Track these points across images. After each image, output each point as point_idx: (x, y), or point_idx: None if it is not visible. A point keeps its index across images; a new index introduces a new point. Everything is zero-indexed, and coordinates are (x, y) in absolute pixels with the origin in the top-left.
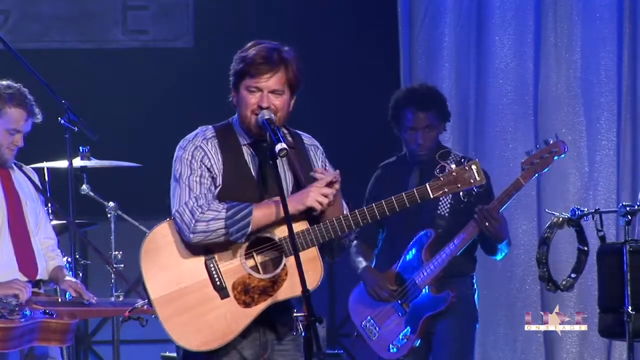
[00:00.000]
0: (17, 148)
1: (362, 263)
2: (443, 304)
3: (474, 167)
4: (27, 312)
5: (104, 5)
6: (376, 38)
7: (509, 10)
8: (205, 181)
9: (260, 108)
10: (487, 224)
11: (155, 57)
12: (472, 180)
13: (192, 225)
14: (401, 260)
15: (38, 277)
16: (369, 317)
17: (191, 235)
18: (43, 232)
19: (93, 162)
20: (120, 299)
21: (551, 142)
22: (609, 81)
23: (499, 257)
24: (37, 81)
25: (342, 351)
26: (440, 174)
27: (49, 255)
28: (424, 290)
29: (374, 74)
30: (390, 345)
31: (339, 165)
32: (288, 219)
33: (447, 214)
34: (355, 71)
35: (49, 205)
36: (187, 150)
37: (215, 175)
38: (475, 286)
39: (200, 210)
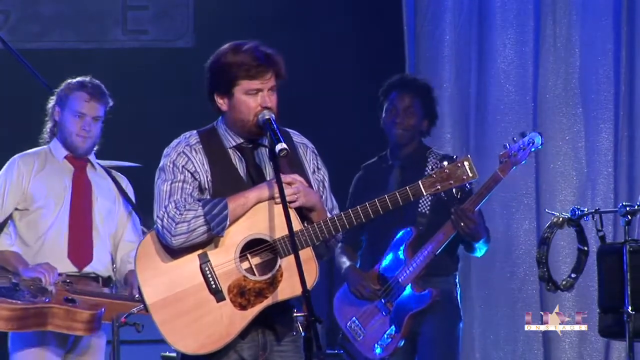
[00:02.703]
0: (89, 136)
1: (346, 263)
2: (426, 302)
3: (466, 163)
4: (50, 296)
5: (104, 5)
6: (381, 38)
7: (510, 10)
8: (187, 186)
9: (263, 108)
10: (462, 224)
11: (155, 57)
12: (464, 177)
13: (173, 228)
14: (383, 259)
15: (89, 269)
16: (353, 318)
17: (172, 239)
18: (127, 236)
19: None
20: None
21: (527, 134)
22: (607, 81)
23: (477, 254)
24: (37, 81)
25: (342, 351)
26: (433, 171)
27: (128, 259)
28: (407, 288)
29: (379, 74)
30: (375, 345)
31: (341, 164)
32: (289, 220)
33: (428, 212)
34: (359, 72)
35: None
36: (170, 157)
37: (201, 180)
38: (457, 285)
39: (179, 212)
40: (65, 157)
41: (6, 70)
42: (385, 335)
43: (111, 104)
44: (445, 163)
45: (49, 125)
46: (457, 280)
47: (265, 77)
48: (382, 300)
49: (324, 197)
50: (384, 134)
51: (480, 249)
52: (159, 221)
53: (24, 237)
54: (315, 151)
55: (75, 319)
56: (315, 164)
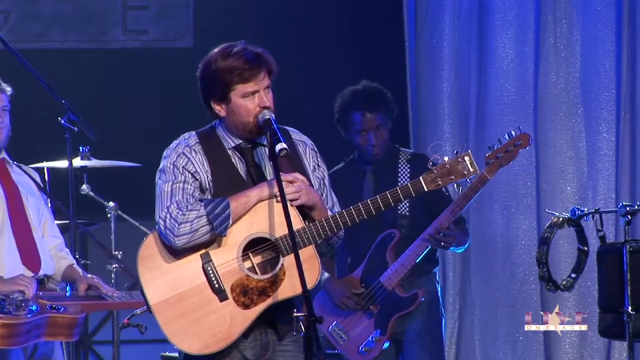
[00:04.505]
0: (4, 129)
1: (324, 275)
2: (411, 305)
3: (466, 158)
4: (34, 308)
5: (104, 5)
6: (381, 38)
7: (510, 10)
8: (189, 187)
9: (261, 109)
10: (442, 243)
11: (155, 57)
12: (465, 172)
13: (176, 229)
14: (365, 263)
15: (42, 272)
16: (335, 322)
17: (175, 240)
18: (50, 231)
19: (93, 162)
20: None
21: (514, 134)
22: (608, 81)
23: (459, 251)
24: (37, 81)
25: (341, 351)
26: (434, 167)
27: (58, 255)
28: (390, 290)
29: (379, 75)
30: (361, 347)
31: (339, 164)
32: (288, 219)
33: (407, 213)
34: (359, 72)
35: (50, 204)
36: (170, 158)
37: (201, 181)
38: (438, 282)
39: (181, 213)
40: None
41: (6, 70)
42: (371, 338)
43: (11, 91)
44: (446, 158)
45: None
46: (437, 278)
47: (259, 78)
48: (366, 305)
49: (324, 195)
50: None
51: (462, 250)
52: (161, 222)
53: None
54: (315, 148)
55: (63, 325)
56: (315, 161)
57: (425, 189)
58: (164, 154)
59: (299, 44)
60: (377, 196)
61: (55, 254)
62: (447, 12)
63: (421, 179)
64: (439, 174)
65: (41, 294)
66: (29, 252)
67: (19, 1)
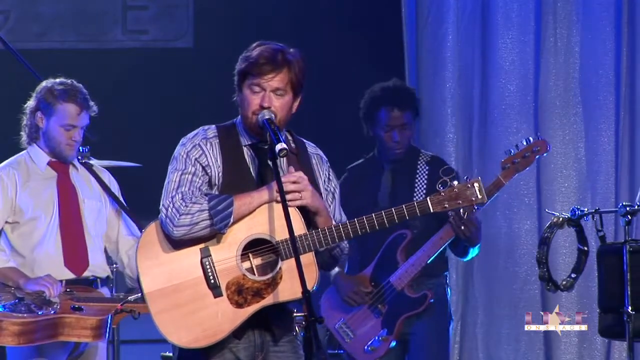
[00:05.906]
0: (77, 144)
1: (334, 270)
2: (420, 305)
3: (476, 184)
4: (57, 307)
5: (104, 5)
6: (381, 38)
7: (512, 10)
8: (197, 179)
9: (262, 108)
10: (462, 228)
11: (155, 57)
12: (473, 198)
13: (177, 219)
14: (375, 262)
15: (89, 273)
16: (342, 319)
17: (174, 230)
18: (124, 231)
19: (93, 162)
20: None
21: (532, 140)
22: (608, 81)
23: (467, 258)
24: (37, 81)
25: (342, 351)
26: (442, 189)
27: (133, 250)
28: (399, 290)
29: (380, 75)
30: (366, 347)
31: (343, 165)
32: (288, 221)
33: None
34: (360, 72)
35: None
36: (185, 147)
37: (211, 175)
38: (448, 285)
39: (184, 204)
40: (48, 164)
41: (6, 70)
42: (377, 337)
43: (96, 111)
44: (456, 182)
45: (26, 128)
46: (447, 280)
47: (266, 76)
48: (374, 304)
49: (332, 207)
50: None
51: (472, 253)
52: (163, 210)
53: (18, 249)
54: (329, 164)
55: (85, 327)
56: (327, 175)
57: (431, 210)
58: (181, 141)
59: (299, 44)
60: (382, 212)
61: (133, 252)
62: (451, 13)
63: (428, 199)
64: (446, 197)
65: (73, 292)
66: (75, 256)
67: (19, 1)
